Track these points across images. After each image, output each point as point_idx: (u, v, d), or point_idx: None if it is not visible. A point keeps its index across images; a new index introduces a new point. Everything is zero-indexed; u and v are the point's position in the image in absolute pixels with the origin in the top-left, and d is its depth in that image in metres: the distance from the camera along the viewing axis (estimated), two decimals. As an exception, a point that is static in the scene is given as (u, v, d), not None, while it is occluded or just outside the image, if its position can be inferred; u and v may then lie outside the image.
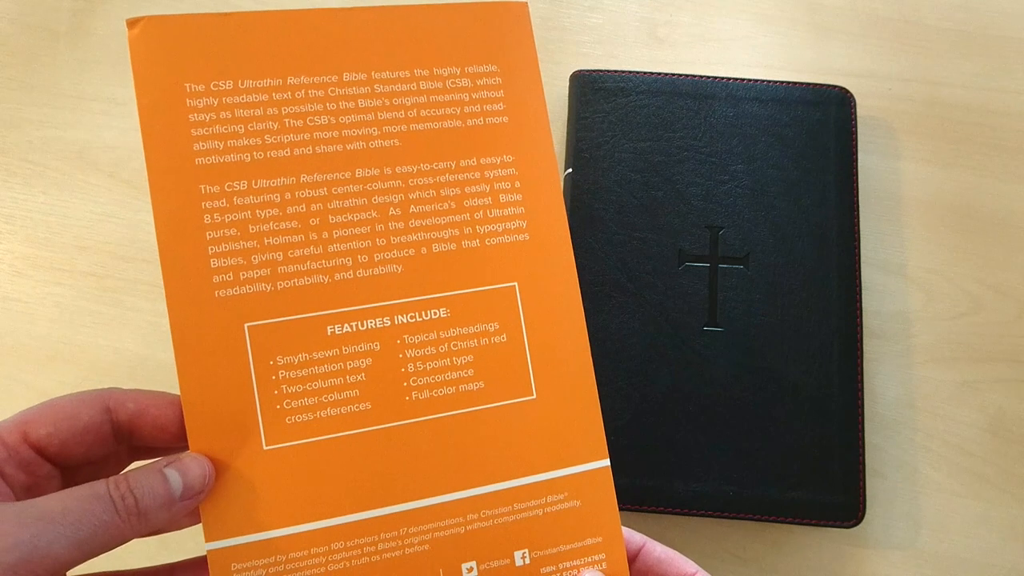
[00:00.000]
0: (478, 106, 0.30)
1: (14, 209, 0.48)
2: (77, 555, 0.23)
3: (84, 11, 0.52)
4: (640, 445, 0.41)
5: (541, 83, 0.31)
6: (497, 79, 0.31)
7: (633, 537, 0.31)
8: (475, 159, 0.30)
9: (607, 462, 0.30)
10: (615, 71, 0.46)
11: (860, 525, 0.40)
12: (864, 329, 0.43)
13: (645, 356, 0.42)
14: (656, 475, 0.41)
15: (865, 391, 0.43)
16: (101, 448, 0.27)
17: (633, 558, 0.30)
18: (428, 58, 0.30)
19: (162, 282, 0.27)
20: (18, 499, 0.25)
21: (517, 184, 0.30)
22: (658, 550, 0.30)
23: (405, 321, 0.29)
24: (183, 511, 0.26)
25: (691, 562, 0.30)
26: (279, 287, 0.28)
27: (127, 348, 0.46)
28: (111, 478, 0.25)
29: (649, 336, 0.42)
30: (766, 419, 0.41)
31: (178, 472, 0.26)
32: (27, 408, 0.26)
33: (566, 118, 0.47)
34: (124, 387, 0.28)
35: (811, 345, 0.42)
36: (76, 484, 0.27)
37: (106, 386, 0.28)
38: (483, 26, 0.31)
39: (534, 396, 0.29)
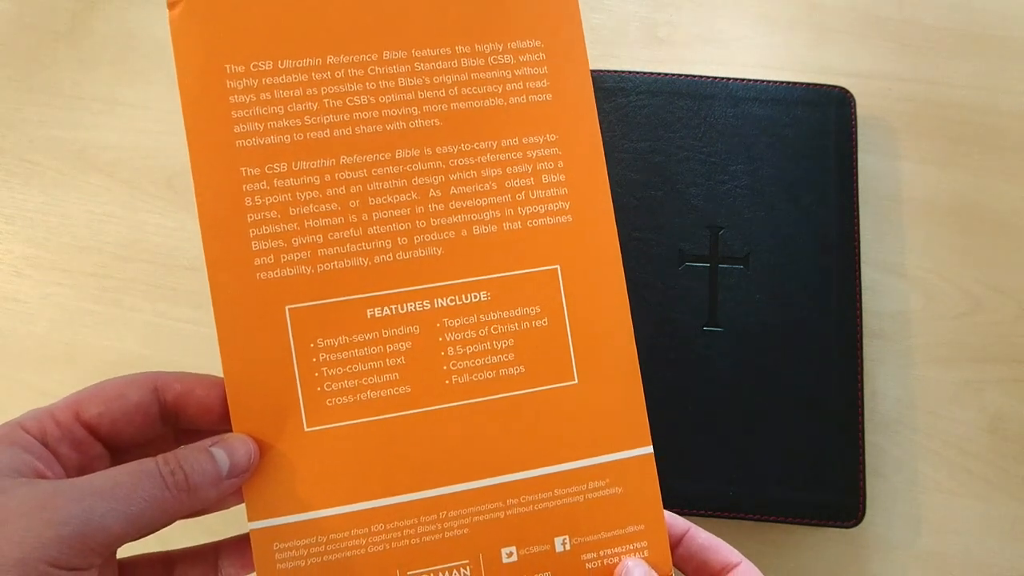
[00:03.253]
0: (521, 83, 0.30)
1: (14, 209, 0.48)
2: (129, 530, 0.23)
3: (84, 11, 0.52)
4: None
5: (587, 58, 0.30)
6: (541, 55, 0.30)
7: (676, 523, 0.30)
8: (517, 138, 0.29)
9: (650, 449, 0.29)
10: (615, 71, 0.46)
11: (860, 525, 0.40)
12: (864, 329, 0.43)
13: (645, 356, 0.42)
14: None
15: (865, 391, 0.43)
16: (149, 429, 0.27)
17: (676, 544, 0.30)
18: (470, 34, 0.29)
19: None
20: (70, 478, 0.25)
21: (560, 164, 0.30)
22: (702, 537, 0.30)
23: (445, 304, 0.29)
24: (229, 489, 0.26)
25: (736, 551, 0.30)
26: (319, 270, 0.28)
27: (127, 348, 0.46)
28: (160, 455, 0.25)
29: (649, 336, 0.42)
30: (766, 419, 0.41)
31: (224, 451, 0.26)
32: (78, 390, 0.27)
33: (566, 118, 0.47)
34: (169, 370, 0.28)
35: (811, 345, 0.42)
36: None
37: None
38: None
39: (576, 381, 0.29)
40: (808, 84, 0.46)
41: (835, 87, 0.46)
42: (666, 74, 0.46)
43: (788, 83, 0.46)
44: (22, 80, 0.50)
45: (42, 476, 0.24)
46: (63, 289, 0.47)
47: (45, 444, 0.25)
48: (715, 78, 0.46)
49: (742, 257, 0.43)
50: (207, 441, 0.26)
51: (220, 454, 0.26)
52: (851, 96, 0.46)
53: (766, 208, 0.44)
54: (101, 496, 0.23)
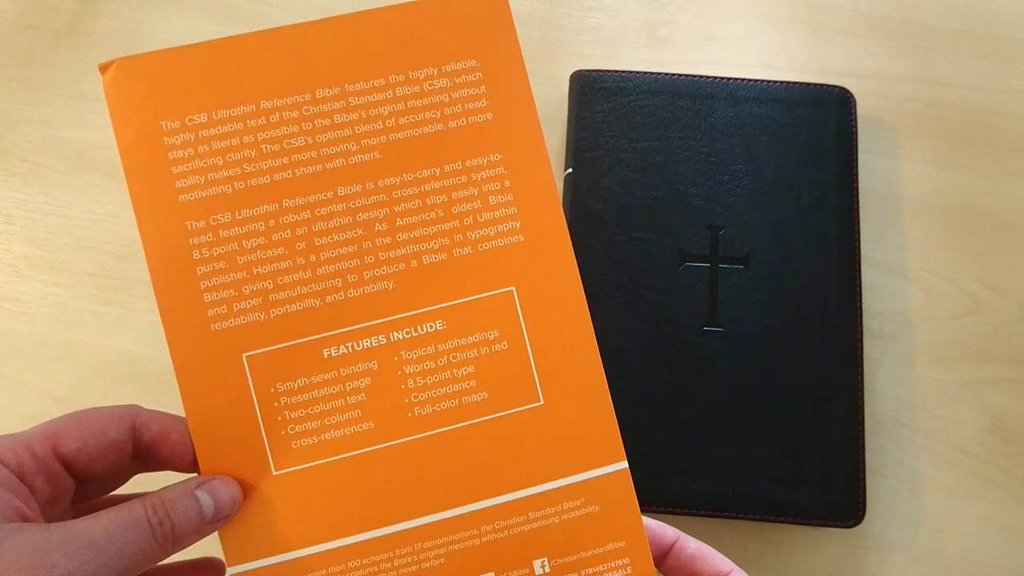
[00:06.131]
0: (459, 106, 0.29)
1: (14, 209, 0.48)
2: None
3: (84, 11, 0.52)
4: (640, 445, 0.41)
5: (526, 73, 0.30)
6: (477, 74, 0.29)
7: (665, 532, 0.30)
8: (460, 162, 0.29)
9: (624, 464, 0.29)
10: (615, 71, 0.46)
11: (860, 525, 0.40)
12: (864, 329, 0.43)
13: (645, 356, 0.42)
14: (656, 475, 0.40)
15: (865, 391, 0.43)
16: (120, 464, 0.27)
17: (665, 554, 0.30)
18: (402, 62, 0.29)
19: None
20: (43, 512, 0.25)
21: (507, 183, 0.29)
22: (691, 546, 0.30)
23: (401, 337, 0.29)
24: (209, 533, 0.26)
25: (726, 559, 0.30)
26: (272, 315, 0.28)
27: (127, 348, 0.46)
28: (147, 501, 0.25)
29: (649, 336, 0.42)
30: (766, 419, 0.41)
31: (210, 495, 0.26)
32: (54, 419, 0.26)
33: (566, 118, 0.47)
34: (146, 393, 0.28)
35: (811, 345, 0.42)
36: (86, 496, 0.27)
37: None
38: (458, 19, 0.29)
39: (541, 402, 0.29)
40: (808, 84, 0.46)
41: (835, 87, 0.46)
42: (666, 74, 0.46)
43: (788, 83, 0.46)
44: (22, 80, 0.50)
45: (24, 516, 0.24)
46: (63, 289, 0.47)
47: (22, 478, 0.25)
48: (715, 78, 0.46)
49: (742, 257, 0.43)
50: (192, 483, 0.26)
51: (206, 499, 0.26)
52: (851, 96, 0.46)
53: (766, 208, 0.44)
54: (95, 551, 0.23)
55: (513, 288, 0.29)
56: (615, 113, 0.46)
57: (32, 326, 0.46)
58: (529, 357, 0.29)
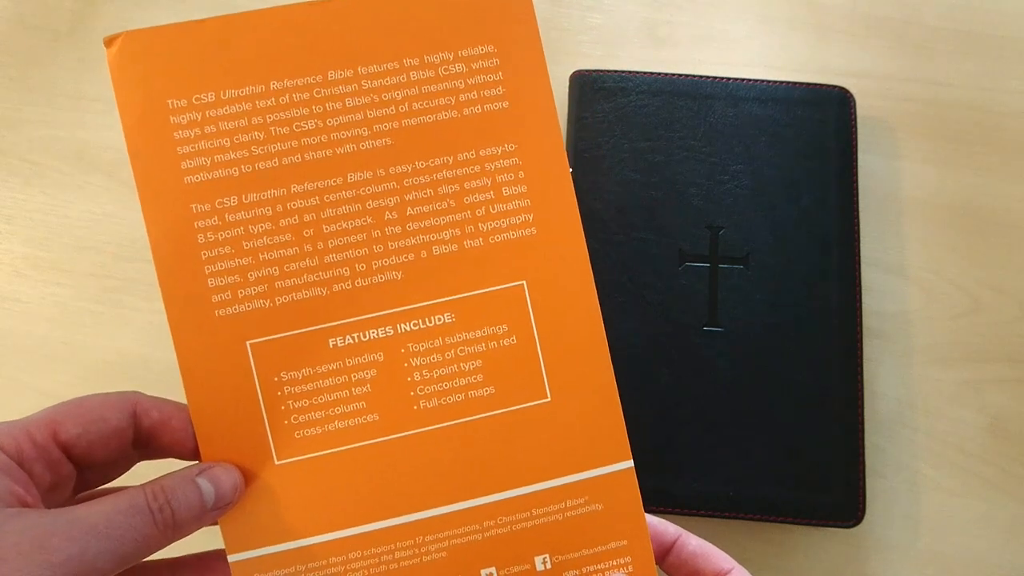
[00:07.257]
0: (475, 92, 0.28)
1: (14, 209, 0.48)
2: (116, 568, 0.23)
3: (84, 11, 0.52)
4: (639, 445, 0.41)
5: (544, 60, 0.29)
6: (495, 60, 0.29)
7: (667, 530, 0.30)
8: (474, 151, 0.28)
9: (630, 463, 0.29)
10: (615, 71, 0.46)
11: (860, 525, 0.40)
12: (864, 329, 0.43)
13: (645, 356, 0.42)
14: (656, 475, 0.40)
15: (865, 391, 0.43)
16: (120, 452, 0.27)
17: (667, 552, 0.30)
18: (417, 45, 0.28)
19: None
20: (43, 499, 0.25)
21: (521, 174, 0.29)
22: (693, 543, 0.30)
23: (408, 329, 0.28)
24: (210, 521, 0.26)
25: (728, 557, 0.30)
26: (277, 302, 0.28)
27: (127, 348, 0.46)
28: (148, 488, 0.25)
29: (649, 336, 0.42)
30: (766, 419, 0.41)
31: (210, 482, 0.26)
32: (54, 405, 0.26)
33: (566, 118, 0.47)
34: (145, 392, 0.28)
35: (811, 345, 0.42)
36: (87, 484, 0.27)
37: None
38: (475, 2, 0.29)
39: (548, 399, 0.29)
40: (808, 84, 0.46)
41: (835, 87, 0.46)
42: (666, 74, 0.46)
43: (788, 83, 0.46)
44: (22, 80, 0.50)
45: (23, 502, 0.24)
46: (63, 289, 0.47)
47: (20, 464, 0.25)
48: (715, 78, 0.46)
49: (742, 257, 0.43)
50: (193, 469, 0.26)
51: (207, 486, 0.26)
52: (851, 96, 0.46)
53: (766, 208, 0.44)
54: (96, 535, 0.23)
55: (524, 282, 0.29)
56: (615, 113, 0.46)
57: (32, 326, 0.46)
58: (538, 353, 0.29)
